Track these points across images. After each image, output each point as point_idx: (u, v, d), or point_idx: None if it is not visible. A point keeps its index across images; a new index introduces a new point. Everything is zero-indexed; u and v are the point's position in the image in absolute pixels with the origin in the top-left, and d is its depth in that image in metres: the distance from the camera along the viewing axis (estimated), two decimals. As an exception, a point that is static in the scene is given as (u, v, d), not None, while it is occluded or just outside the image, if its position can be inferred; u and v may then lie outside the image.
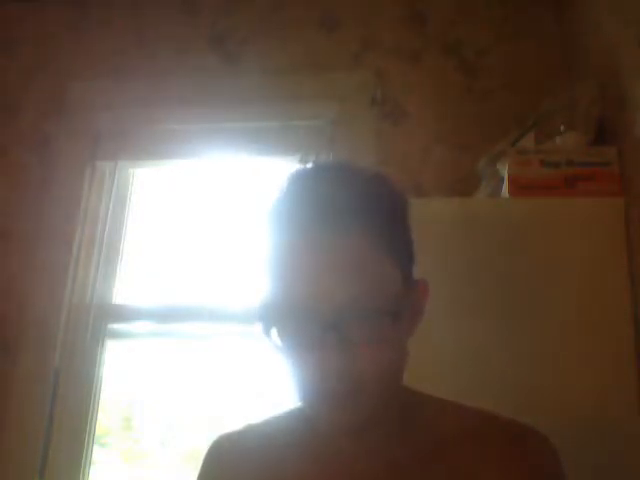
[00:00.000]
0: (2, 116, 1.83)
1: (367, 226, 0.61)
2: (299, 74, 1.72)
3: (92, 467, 1.58)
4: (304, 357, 0.60)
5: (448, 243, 1.08)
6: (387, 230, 0.63)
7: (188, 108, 1.74)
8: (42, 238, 1.69)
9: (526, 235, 1.10)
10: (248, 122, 1.73)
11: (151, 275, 1.76)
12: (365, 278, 0.60)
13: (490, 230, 1.11)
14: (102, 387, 1.64)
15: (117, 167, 1.79)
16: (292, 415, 0.77)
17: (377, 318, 0.60)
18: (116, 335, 1.68)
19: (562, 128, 1.23)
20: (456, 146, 1.58)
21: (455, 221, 1.11)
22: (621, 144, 1.16)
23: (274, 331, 0.62)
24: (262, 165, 1.78)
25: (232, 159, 1.77)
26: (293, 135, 1.70)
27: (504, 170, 1.22)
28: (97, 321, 1.66)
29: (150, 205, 1.84)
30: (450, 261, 1.07)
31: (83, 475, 1.55)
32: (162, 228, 1.80)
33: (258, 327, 0.66)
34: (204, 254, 1.74)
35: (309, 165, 0.70)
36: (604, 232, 1.09)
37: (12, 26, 1.90)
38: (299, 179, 0.66)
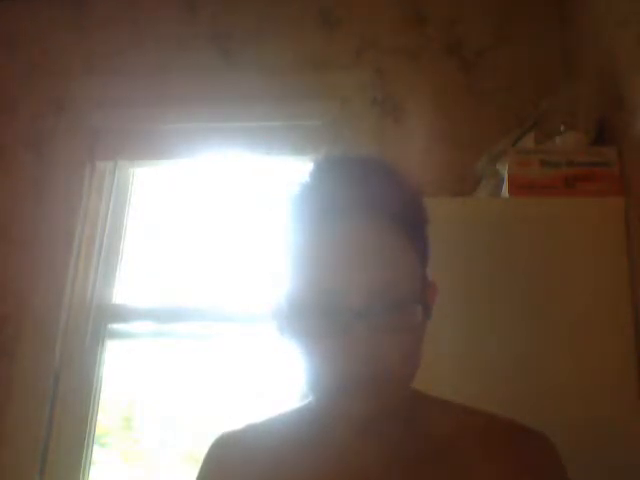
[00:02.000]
0: (1, 115, 1.83)
1: (394, 221, 0.63)
2: (299, 73, 1.72)
3: (92, 467, 1.58)
4: (330, 345, 0.60)
5: (448, 243, 1.08)
6: (412, 227, 0.65)
7: (188, 107, 1.74)
8: (41, 238, 1.69)
9: (526, 235, 1.10)
10: (248, 121, 1.73)
11: (151, 275, 1.76)
12: (394, 269, 0.62)
13: (490, 230, 1.11)
14: (102, 387, 1.64)
15: (117, 166, 1.79)
16: (295, 414, 0.77)
17: (406, 308, 0.61)
18: (116, 335, 1.68)
19: (562, 128, 1.23)
20: (456, 146, 1.58)
21: (455, 221, 1.11)
22: (621, 144, 1.16)
23: (295, 321, 0.63)
24: (262, 164, 1.78)
25: (232, 158, 1.77)
26: (293, 134, 1.70)
27: (504, 170, 1.22)
28: (97, 321, 1.66)
29: (150, 205, 1.83)
30: (449, 261, 1.07)
31: (83, 475, 1.55)
32: (162, 228, 1.80)
33: (276, 321, 0.67)
34: (204, 254, 1.74)
35: (334, 156, 0.70)
36: (604, 232, 1.09)
37: (11, 24, 1.90)
38: (325, 171, 0.67)
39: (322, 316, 0.61)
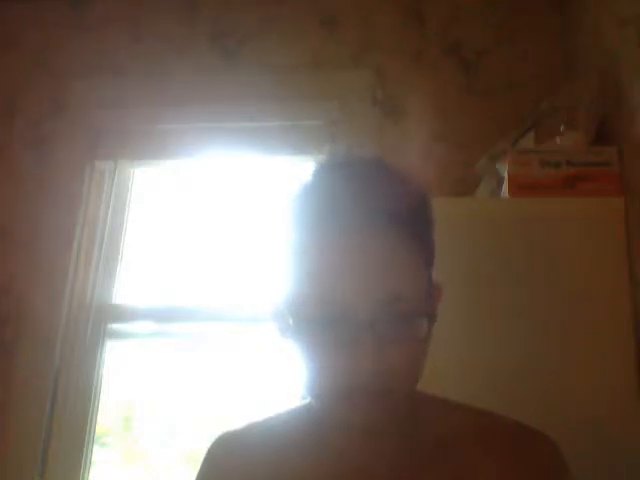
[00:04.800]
0: (1, 115, 1.83)
1: (402, 227, 0.61)
2: (299, 73, 1.72)
3: (92, 467, 1.58)
4: (334, 355, 0.59)
5: (447, 243, 1.07)
6: (418, 230, 0.63)
7: (187, 107, 1.74)
8: (41, 238, 1.69)
9: (526, 235, 1.10)
10: (248, 121, 1.72)
11: (151, 275, 1.76)
12: (400, 277, 0.60)
13: (490, 230, 1.11)
14: (102, 387, 1.64)
15: (117, 166, 1.79)
16: (295, 414, 0.76)
17: (413, 319, 0.60)
18: (116, 335, 1.68)
19: (562, 128, 1.23)
20: (456, 146, 1.58)
21: (455, 221, 1.11)
22: (621, 144, 1.16)
23: (298, 328, 0.61)
24: (262, 165, 1.78)
25: (232, 159, 1.77)
26: (293, 135, 1.70)
27: (504, 170, 1.22)
28: (97, 321, 1.66)
29: (150, 205, 1.83)
30: (449, 261, 1.06)
31: (83, 475, 1.55)
32: (162, 228, 1.80)
33: (278, 323, 0.66)
34: (204, 254, 1.74)
35: (337, 157, 0.69)
36: (604, 232, 1.09)
37: (11, 24, 1.90)
38: (328, 172, 0.65)
39: (326, 326, 0.59)
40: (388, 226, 0.60)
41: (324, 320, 0.59)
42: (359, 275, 0.59)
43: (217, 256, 1.72)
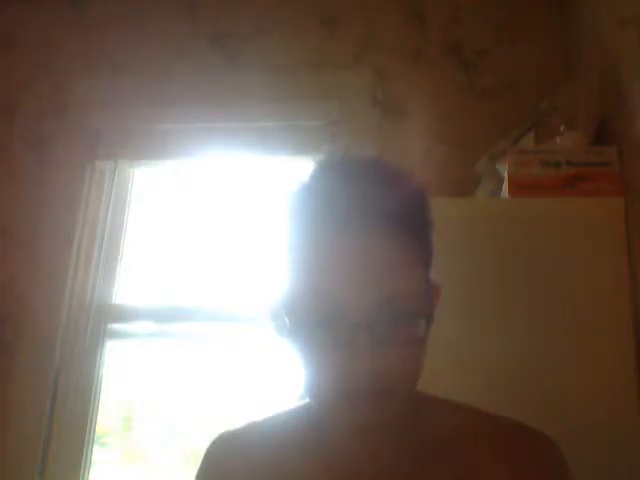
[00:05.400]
0: (1, 115, 1.83)
1: (400, 227, 0.61)
2: (300, 73, 1.72)
3: (92, 467, 1.58)
4: (331, 356, 0.59)
5: (447, 243, 1.08)
6: (416, 230, 0.63)
7: (188, 107, 1.74)
8: (42, 238, 1.69)
9: (526, 235, 1.10)
10: (248, 121, 1.73)
11: (151, 275, 1.76)
12: (397, 278, 0.60)
13: (490, 230, 1.11)
14: (102, 387, 1.64)
15: (117, 166, 1.79)
16: (295, 414, 0.76)
17: (410, 320, 0.60)
18: (116, 335, 1.68)
19: (562, 128, 1.23)
20: (456, 146, 1.58)
21: (455, 221, 1.11)
22: (621, 144, 1.16)
23: (296, 328, 0.61)
24: (262, 165, 1.78)
25: (232, 159, 1.77)
26: (293, 134, 1.70)
27: (504, 170, 1.22)
28: (97, 321, 1.66)
29: (150, 205, 1.83)
30: (449, 261, 1.07)
31: (83, 475, 1.55)
32: (162, 228, 1.80)
33: (275, 322, 0.65)
34: (204, 254, 1.74)
35: (335, 157, 0.68)
36: (604, 232, 1.09)
37: (11, 24, 1.90)
38: (326, 172, 0.65)
39: (324, 327, 0.59)
40: (386, 226, 0.60)
41: (321, 320, 0.59)
42: (356, 275, 0.59)
43: (217, 256, 1.72)
